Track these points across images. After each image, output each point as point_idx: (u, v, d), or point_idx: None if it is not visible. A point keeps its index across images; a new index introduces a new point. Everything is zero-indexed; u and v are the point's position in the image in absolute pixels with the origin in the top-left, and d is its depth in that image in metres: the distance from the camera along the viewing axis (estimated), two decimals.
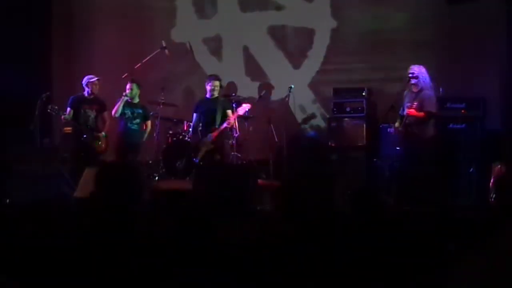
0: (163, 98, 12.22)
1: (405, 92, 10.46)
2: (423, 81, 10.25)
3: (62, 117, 11.66)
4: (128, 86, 11.71)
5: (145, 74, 12.18)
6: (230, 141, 11.93)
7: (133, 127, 11.78)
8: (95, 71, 14.02)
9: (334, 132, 12.30)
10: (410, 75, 10.25)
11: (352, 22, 13.41)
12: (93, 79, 11.77)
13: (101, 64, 14.27)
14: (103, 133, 11.83)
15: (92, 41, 14.55)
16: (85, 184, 9.02)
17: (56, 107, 11.56)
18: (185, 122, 12.47)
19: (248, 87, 13.67)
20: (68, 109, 11.73)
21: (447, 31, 12.51)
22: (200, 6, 14.28)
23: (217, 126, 11.36)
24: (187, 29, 14.21)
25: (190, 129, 11.88)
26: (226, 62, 14.09)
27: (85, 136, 11.62)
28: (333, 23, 13.55)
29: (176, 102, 12.66)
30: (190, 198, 9.04)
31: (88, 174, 9.14)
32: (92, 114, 11.78)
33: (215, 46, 14.17)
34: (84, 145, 11.67)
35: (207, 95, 11.70)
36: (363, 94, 12.20)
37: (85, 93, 11.84)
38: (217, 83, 11.62)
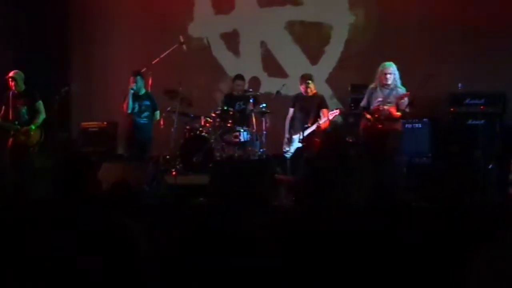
0: (180, 93, 12.22)
1: (371, 87, 10.46)
2: (397, 79, 10.27)
3: None
4: (131, 80, 11.54)
5: (162, 69, 12.16)
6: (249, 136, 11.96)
7: (142, 121, 11.63)
8: (113, 66, 14.13)
9: (351, 128, 12.25)
10: (389, 72, 10.23)
11: (370, 17, 13.38)
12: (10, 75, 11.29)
13: (119, 59, 14.31)
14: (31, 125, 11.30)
15: (110, 36, 14.57)
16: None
17: None
18: (202, 117, 12.46)
19: (265, 82, 13.68)
20: None
21: (466, 26, 12.45)
22: (217, 1, 14.27)
23: (309, 124, 11.28)
24: (205, 24, 14.21)
25: (286, 123, 11.79)
26: (244, 58, 14.10)
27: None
28: (351, 18, 13.54)
29: (193, 98, 12.65)
30: (207, 192, 9.05)
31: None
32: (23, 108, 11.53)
33: (233, 42, 14.16)
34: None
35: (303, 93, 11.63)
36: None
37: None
38: (309, 83, 11.50)
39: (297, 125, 11.44)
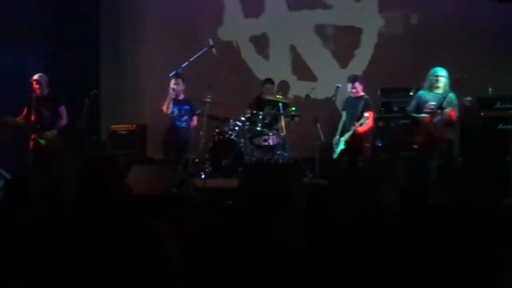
0: (209, 96, 12.23)
1: (421, 92, 10.41)
2: (447, 84, 10.22)
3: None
4: (173, 82, 11.62)
5: (192, 73, 12.18)
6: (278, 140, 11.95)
7: (181, 125, 11.71)
8: (142, 70, 14.16)
9: (381, 132, 12.21)
10: (439, 76, 10.20)
11: (400, 20, 13.34)
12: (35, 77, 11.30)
13: (149, 62, 14.37)
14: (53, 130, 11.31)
15: (140, 40, 14.62)
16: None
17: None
18: (231, 121, 12.48)
19: (294, 86, 13.67)
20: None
21: (496, 30, 12.37)
22: (247, 5, 14.28)
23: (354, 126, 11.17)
24: (234, 27, 14.25)
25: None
26: (273, 61, 14.10)
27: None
28: (380, 22, 13.51)
29: (222, 101, 12.64)
30: (236, 196, 9.03)
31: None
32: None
33: (262, 45, 14.17)
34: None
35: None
36: (411, 93, 12.07)
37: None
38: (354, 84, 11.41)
39: (346, 127, 11.36)
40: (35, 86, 11.21)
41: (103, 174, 4.03)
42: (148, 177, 8.72)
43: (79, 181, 3.98)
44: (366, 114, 10.93)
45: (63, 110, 11.34)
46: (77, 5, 13.61)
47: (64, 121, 11.33)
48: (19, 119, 11.23)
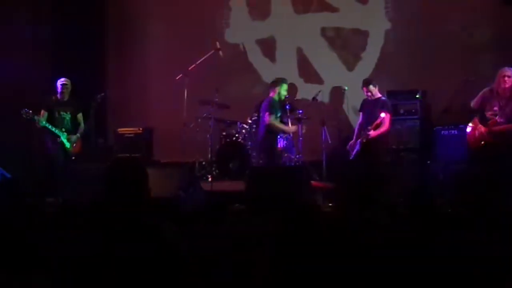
0: (217, 99, 12.26)
1: (488, 89, 9.76)
2: None
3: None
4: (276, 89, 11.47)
5: (199, 75, 12.20)
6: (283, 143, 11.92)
7: None
8: (149, 72, 14.21)
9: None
10: (508, 75, 9.60)
11: (406, 23, 13.35)
12: (61, 82, 11.34)
13: (155, 65, 14.40)
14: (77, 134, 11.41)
15: (147, 42, 14.64)
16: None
17: (30, 111, 11.08)
18: (239, 123, 12.49)
19: (301, 89, 13.68)
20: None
21: (504, 33, 12.37)
22: (254, 8, 14.29)
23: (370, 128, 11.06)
24: (241, 30, 14.26)
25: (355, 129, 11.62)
26: (280, 64, 14.10)
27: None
28: (387, 25, 13.51)
29: (229, 104, 12.66)
30: (243, 199, 9.04)
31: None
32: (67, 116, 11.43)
33: (269, 48, 14.18)
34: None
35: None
36: (417, 96, 12.08)
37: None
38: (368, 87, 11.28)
39: (363, 129, 11.23)
40: (63, 90, 11.28)
41: (135, 174, 4.06)
42: (156, 180, 8.72)
43: (109, 181, 4.00)
44: (382, 115, 10.80)
45: (81, 116, 11.42)
46: (83, 9, 13.63)
47: (83, 126, 11.42)
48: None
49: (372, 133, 10.76)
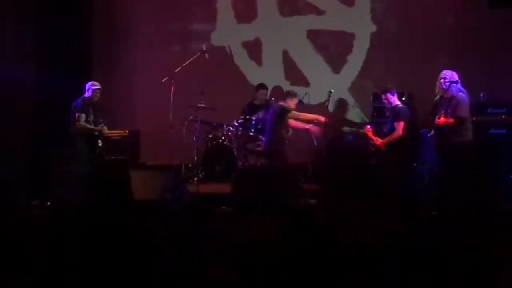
0: (202, 102, 12.26)
1: (437, 99, 10.10)
2: (455, 87, 9.94)
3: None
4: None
5: (185, 78, 12.20)
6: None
7: None
8: (135, 75, 14.17)
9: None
10: (442, 80, 9.95)
11: (392, 26, 13.40)
12: (96, 87, 11.74)
13: (142, 67, 14.37)
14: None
15: (133, 46, 14.60)
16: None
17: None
18: (225, 126, 12.50)
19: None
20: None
21: (489, 36, 12.43)
22: (240, 10, 14.30)
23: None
24: (227, 33, 14.26)
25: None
26: (266, 66, 14.12)
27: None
28: (373, 27, 13.56)
29: (215, 106, 12.66)
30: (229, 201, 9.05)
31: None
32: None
33: (255, 50, 14.19)
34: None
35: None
36: (403, 99, 12.10)
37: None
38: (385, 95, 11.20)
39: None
40: (99, 94, 11.71)
41: (116, 176, 4.08)
42: (142, 182, 8.73)
43: (91, 183, 4.01)
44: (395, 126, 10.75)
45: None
46: (70, 11, 13.59)
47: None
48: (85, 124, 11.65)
49: (380, 141, 10.78)
